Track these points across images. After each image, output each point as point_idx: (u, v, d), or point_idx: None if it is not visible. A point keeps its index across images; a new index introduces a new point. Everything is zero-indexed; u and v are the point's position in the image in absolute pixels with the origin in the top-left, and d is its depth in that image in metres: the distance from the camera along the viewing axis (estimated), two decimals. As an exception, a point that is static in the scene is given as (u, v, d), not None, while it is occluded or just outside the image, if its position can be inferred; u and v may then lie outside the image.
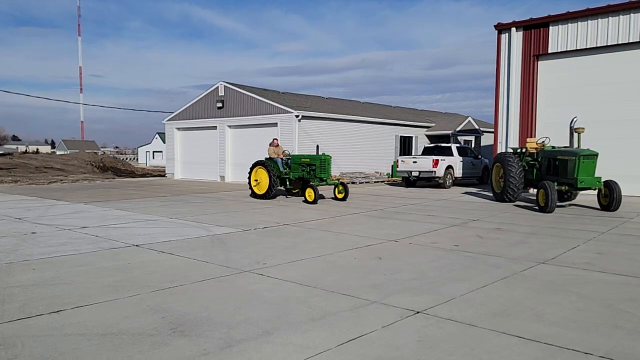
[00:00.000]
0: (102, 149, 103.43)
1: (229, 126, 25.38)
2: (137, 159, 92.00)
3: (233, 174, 25.43)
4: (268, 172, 15.01)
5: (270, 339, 3.97)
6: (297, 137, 22.32)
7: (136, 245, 7.89)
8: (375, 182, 23.75)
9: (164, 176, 30.05)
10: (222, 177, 25.56)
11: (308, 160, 15.20)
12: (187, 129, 27.94)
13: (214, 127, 25.88)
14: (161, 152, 73.31)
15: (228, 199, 15.75)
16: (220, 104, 25.28)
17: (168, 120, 28.77)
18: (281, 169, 15.50)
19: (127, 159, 75.42)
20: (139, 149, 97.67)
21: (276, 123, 22.87)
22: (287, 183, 15.65)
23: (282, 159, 15.84)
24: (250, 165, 15.77)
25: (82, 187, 21.86)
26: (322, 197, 14.99)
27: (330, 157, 15.15)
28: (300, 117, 22.21)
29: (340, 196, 14.80)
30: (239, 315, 4.53)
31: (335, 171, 23.93)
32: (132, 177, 31.37)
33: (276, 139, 16.78)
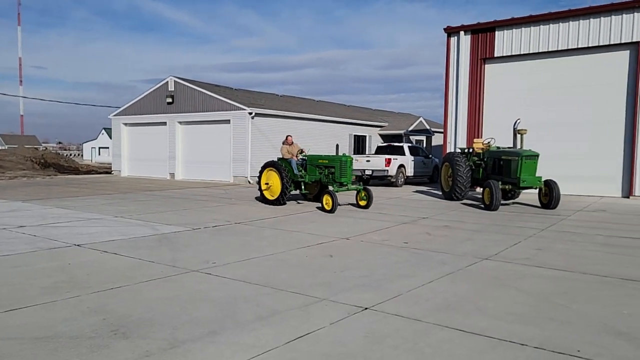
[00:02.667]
0: (43, 145, 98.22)
1: (180, 122, 24.79)
2: (82, 155, 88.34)
3: (184, 171, 24.86)
4: (280, 174, 12.98)
5: (216, 338, 3.90)
6: (251, 134, 22.09)
7: (77, 245, 7.56)
8: (328, 180, 23.85)
9: (110, 173, 28.97)
10: (172, 175, 24.95)
11: (326, 161, 12.99)
12: (135, 125, 27.06)
13: (164, 123, 25.21)
14: (108, 148, 70.71)
15: (178, 197, 15.39)
16: (170, 100, 24.64)
17: (115, 116, 27.76)
18: (295, 171, 13.33)
19: (71, 155, 72.16)
20: (84, 144, 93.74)
21: (229, 120, 22.54)
22: (302, 187, 13.53)
23: (297, 159, 13.59)
24: (262, 166, 13.73)
25: (21, 184, 20.74)
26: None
27: (352, 159, 13.02)
28: (253, 114, 21.99)
29: (362, 203, 12.62)
30: (184, 316, 4.42)
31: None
32: (76, 174, 30.04)
33: (290, 136, 14.21)
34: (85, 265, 6.35)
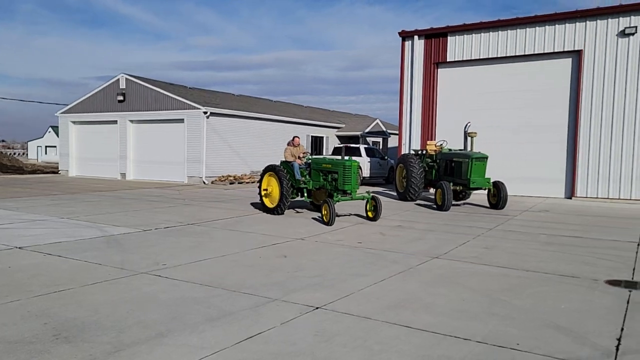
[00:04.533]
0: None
1: (131, 121, 24.09)
2: (27, 154, 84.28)
3: (136, 171, 24.17)
4: (280, 180, 11.50)
5: (163, 341, 3.83)
6: (206, 134, 21.75)
7: (19, 248, 7.22)
8: (285, 181, 23.81)
9: (57, 173, 27.77)
10: (123, 175, 24.20)
11: (329, 166, 11.34)
12: (83, 123, 26.08)
13: (114, 122, 24.43)
14: (55, 147, 67.75)
15: (128, 198, 14.95)
16: (121, 97, 23.90)
17: (62, 113, 26.65)
18: (297, 176, 11.77)
19: (15, 154, 68.72)
20: (29, 143, 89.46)
21: (183, 119, 22.11)
22: (305, 194, 11.90)
23: (301, 163, 12.03)
24: (262, 170, 12.33)
25: (-41, 184, 19.56)
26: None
27: (357, 164, 11.25)
28: (208, 113, 21.66)
29: (370, 215, 10.88)
30: (131, 319, 4.31)
31: (245, 170, 23.73)
32: (20, 173, 28.62)
33: (297, 137, 12.58)
34: (27, 268, 6.07)
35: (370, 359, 3.54)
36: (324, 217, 10.26)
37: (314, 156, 12.24)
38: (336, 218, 10.50)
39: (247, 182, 22.06)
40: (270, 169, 11.98)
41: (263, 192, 12.05)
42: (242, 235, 8.76)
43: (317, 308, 4.67)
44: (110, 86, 24.57)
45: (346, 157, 11.58)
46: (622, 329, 4.20)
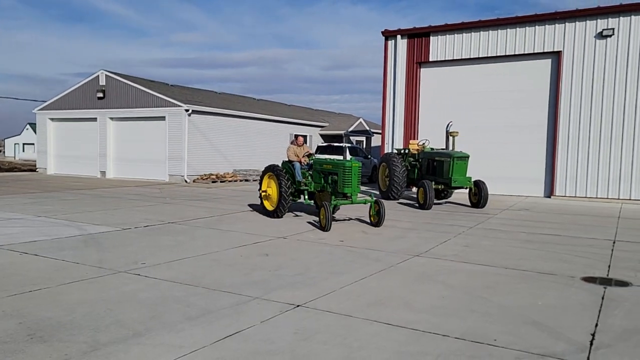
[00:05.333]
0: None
1: (111, 118, 23.75)
2: (4, 152, 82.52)
3: (116, 169, 23.84)
4: (279, 181, 10.76)
5: (141, 340, 3.78)
6: (187, 132, 21.55)
7: (-6, 246, 7.05)
8: (268, 179, 23.73)
9: (35, 171, 27.24)
10: (103, 173, 23.86)
11: (330, 167, 10.48)
12: (62, 120, 25.62)
13: (94, 119, 24.05)
14: (33, 144, 66.45)
15: (108, 196, 14.74)
16: (101, 94, 23.53)
17: (40, 110, 26.14)
18: (298, 177, 11.12)
19: (-8, 151, 67.17)
20: (6, 140, 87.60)
21: (164, 117, 21.87)
22: (306, 196, 11.09)
23: (304, 163, 11.34)
24: (262, 170, 11.67)
25: None
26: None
27: (359, 165, 10.23)
28: (190, 111, 21.47)
29: (373, 220, 10.02)
30: (108, 318, 4.25)
31: (228, 168, 23.58)
32: (-3, 171, 28.01)
33: (301, 137, 11.88)
34: (2, 267, 5.95)
35: (350, 356, 3.55)
36: (321, 222, 9.55)
37: (317, 156, 11.63)
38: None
39: (230, 181, 21.93)
40: (269, 169, 11.28)
41: (263, 194, 11.34)
42: (224, 234, 8.70)
43: (297, 306, 4.66)
44: (89, 83, 24.18)
45: (348, 157, 10.87)
46: (596, 325, 4.28)
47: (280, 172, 10.97)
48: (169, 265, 6.24)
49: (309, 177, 11.23)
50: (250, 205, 12.93)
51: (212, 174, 22.08)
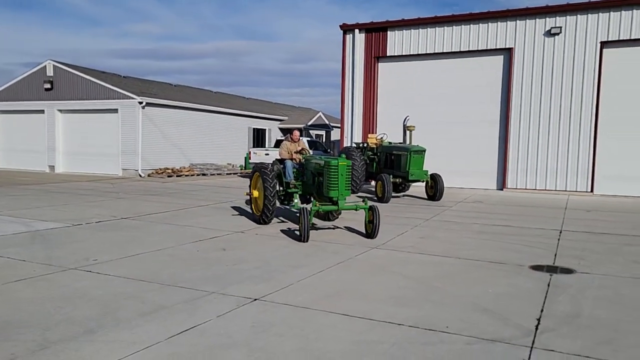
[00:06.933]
0: None
1: (60, 110, 22.78)
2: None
3: (66, 164, 22.93)
4: (263, 182, 9.09)
5: (93, 337, 3.67)
6: (141, 125, 20.96)
7: None
8: (227, 174, 23.46)
9: (-21, 165, 25.84)
10: (52, 168, 22.90)
11: (319, 165, 8.83)
12: (6, 112, 24.37)
13: (41, 111, 23.00)
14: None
15: (57, 192, 14.16)
16: (48, 85, 22.52)
17: (-17, 101, 24.79)
18: (289, 177, 9.80)
19: None
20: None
21: (117, 109, 21.17)
22: (297, 200, 9.42)
23: (296, 161, 10.05)
24: (252, 169, 10.02)
25: None
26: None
27: (348, 164, 8.53)
28: (144, 103, 20.87)
29: (368, 229, 8.17)
30: (58, 316, 4.10)
31: (184, 162, 23.12)
32: (-64, 166, 26.37)
33: (297, 131, 10.60)
34: (-61, 267, 5.62)
35: (306, 347, 3.58)
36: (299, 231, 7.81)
37: (312, 153, 10.15)
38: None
39: (187, 175, 21.52)
40: (257, 168, 9.61)
41: (252, 198, 9.81)
42: (180, 229, 8.54)
43: (255, 300, 4.64)
44: (36, 73, 23.09)
45: (339, 155, 9.02)
46: (541, 310, 4.49)
47: (265, 173, 9.17)
48: (122, 261, 6.08)
49: (303, 178, 9.77)
50: (206, 200, 12.74)
51: (167, 168, 21.59)
